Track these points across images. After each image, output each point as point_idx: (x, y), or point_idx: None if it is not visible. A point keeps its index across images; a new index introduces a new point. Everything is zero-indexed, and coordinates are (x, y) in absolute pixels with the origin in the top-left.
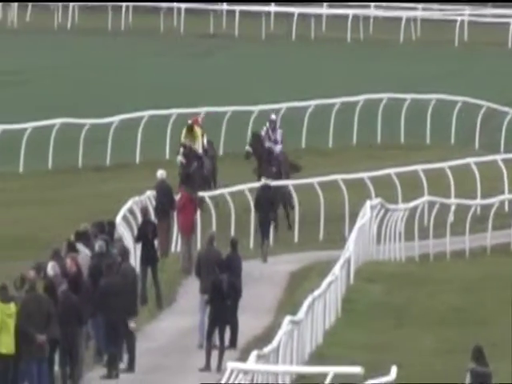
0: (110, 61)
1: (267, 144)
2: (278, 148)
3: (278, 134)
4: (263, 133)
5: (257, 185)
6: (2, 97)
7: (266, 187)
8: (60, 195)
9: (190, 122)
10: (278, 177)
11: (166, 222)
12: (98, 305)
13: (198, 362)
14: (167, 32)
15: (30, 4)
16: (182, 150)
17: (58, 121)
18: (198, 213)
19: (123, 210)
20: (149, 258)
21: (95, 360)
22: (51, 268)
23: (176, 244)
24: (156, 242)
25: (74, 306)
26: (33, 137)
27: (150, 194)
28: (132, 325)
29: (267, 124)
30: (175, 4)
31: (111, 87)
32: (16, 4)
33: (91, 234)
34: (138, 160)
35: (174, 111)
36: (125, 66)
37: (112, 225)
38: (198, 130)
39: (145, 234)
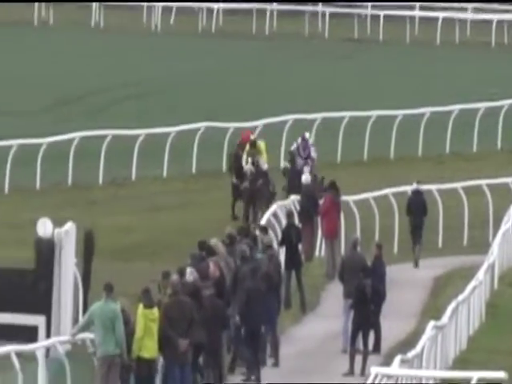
0: (253, 65)
1: (299, 161)
2: (306, 168)
3: (312, 151)
4: (295, 149)
5: (401, 189)
6: (146, 102)
7: (417, 192)
8: (204, 199)
9: (252, 137)
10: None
11: (310, 226)
12: (241, 309)
13: (341, 366)
14: (311, 36)
15: (174, 7)
16: (250, 160)
17: (202, 125)
18: (342, 217)
19: (267, 214)
20: (293, 262)
21: (237, 364)
22: (190, 273)
23: (320, 248)
24: (300, 246)
25: (219, 310)
26: (177, 141)
27: (295, 198)
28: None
29: (299, 141)
30: (320, 8)
31: (255, 91)
32: (160, 8)
33: (235, 239)
34: (281, 165)
35: (319, 115)
36: (269, 70)
37: (265, 229)
38: (261, 145)
39: (289, 239)
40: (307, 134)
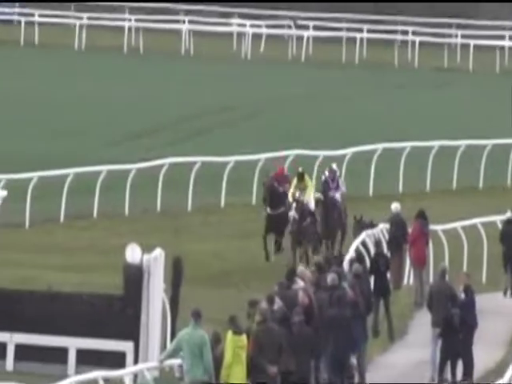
0: (344, 92)
1: (330, 193)
2: (337, 195)
3: (340, 183)
4: (323, 182)
5: (491, 219)
6: (235, 128)
7: (510, 221)
8: None
9: (300, 169)
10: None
11: (398, 254)
12: (325, 336)
13: None
14: (402, 65)
15: (263, 35)
16: (294, 205)
17: (292, 152)
18: (430, 246)
19: (356, 243)
20: (381, 291)
21: None
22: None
23: (408, 277)
24: (388, 275)
25: (308, 337)
26: (266, 168)
27: (383, 226)
28: (353, 360)
29: (326, 173)
30: (410, 37)
31: (343, 119)
32: (250, 35)
33: (324, 267)
34: (371, 193)
35: (408, 144)
36: (360, 98)
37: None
38: (308, 180)
39: (377, 267)
40: (334, 166)
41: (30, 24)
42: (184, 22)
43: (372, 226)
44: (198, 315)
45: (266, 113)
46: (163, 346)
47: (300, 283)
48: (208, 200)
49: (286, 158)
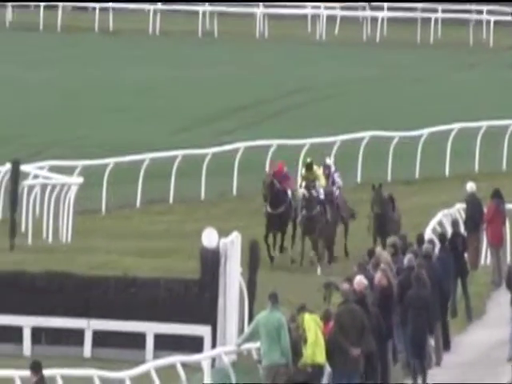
0: (418, 73)
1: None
2: (333, 190)
3: (336, 177)
4: None
5: None
6: (310, 110)
7: None
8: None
9: (309, 160)
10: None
11: (475, 234)
12: (405, 317)
13: (506, 375)
14: (476, 44)
15: (338, 16)
16: (302, 197)
17: (367, 134)
18: (507, 225)
19: (432, 223)
20: (459, 271)
21: (404, 372)
22: (359, 281)
23: (485, 256)
24: (466, 255)
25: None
26: (341, 150)
27: (460, 206)
28: (431, 341)
29: (321, 168)
30: (484, 16)
31: (420, 99)
32: (324, 17)
33: (399, 248)
34: (447, 173)
35: (484, 123)
36: (434, 79)
37: (420, 239)
38: (317, 170)
39: (455, 247)
40: (328, 160)
41: (104, 10)
42: (258, 5)
43: (392, 200)
44: (275, 298)
45: (340, 95)
46: (241, 330)
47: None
48: None
49: (360, 140)
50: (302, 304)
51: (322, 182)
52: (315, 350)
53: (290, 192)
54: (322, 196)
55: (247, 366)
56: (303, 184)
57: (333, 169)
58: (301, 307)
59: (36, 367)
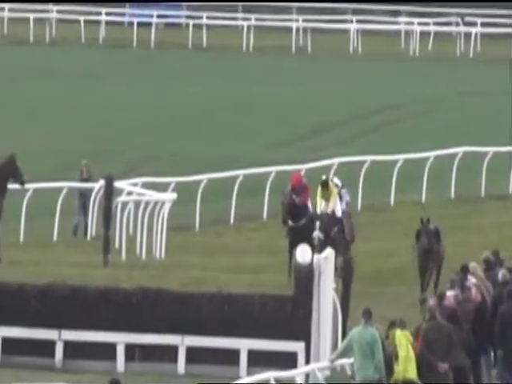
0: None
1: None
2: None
3: (344, 194)
4: None
5: None
6: (403, 126)
7: None
8: (463, 224)
9: (324, 177)
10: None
11: None
12: (498, 333)
13: None
14: None
15: (432, 32)
16: (318, 224)
17: (460, 149)
18: None
19: None
20: None
21: None
22: (454, 296)
23: None
24: None
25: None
26: (435, 165)
27: None
28: None
29: (336, 187)
30: None
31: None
32: (418, 33)
33: (493, 263)
34: None
35: None
36: None
37: None
38: (332, 187)
39: None
40: (336, 179)
41: (197, 27)
42: (352, 21)
43: (438, 233)
44: (369, 314)
45: (435, 110)
46: (334, 346)
47: (472, 280)
48: (377, 199)
49: (454, 155)
50: (393, 320)
51: (333, 200)
52: (407, 366)
53: (310, 205)
54: (339, 213)
55: (341, 382)
56: (322, 204)
57: (340, 185)
58: (392, 323)
59: None
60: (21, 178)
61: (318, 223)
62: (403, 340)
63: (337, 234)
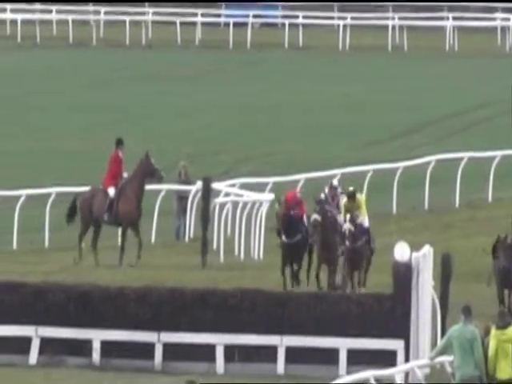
0: None
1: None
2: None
3: (341, 200)
4: (323, 199)
5: None
6: (498, 123)
7: None
8: None
9: (351, 188)
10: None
11: None
12: None
13: None
14: None
15: None
16: (347, 231)
17: None
18: None
19: None
20: None
21: None
22: None
23: None
24: None
25: None
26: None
27: None
28: None
29: (326, 190)
30: None
31: None
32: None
33: None
34: None
35: None
36: None
37: None
38: (360, 198)
39: None
40: (335, 182)
41: (293, 26)
42: (448, 18)
43: None
44: (469, 311)
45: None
46: (433, 344)
47: None
48: (475, 195)
49: None
50: (501, 310)
51: (363, 211)
52: (496, 366)
53: (305, 218)
54: (366, 224)
55: (441, 380)
56: (347, 217)
57: (339, 190)
58: (499, 312)
59: None
60: (158, 174)
61: (347, 231)
62: (493, 339)
63: (364, 244)
